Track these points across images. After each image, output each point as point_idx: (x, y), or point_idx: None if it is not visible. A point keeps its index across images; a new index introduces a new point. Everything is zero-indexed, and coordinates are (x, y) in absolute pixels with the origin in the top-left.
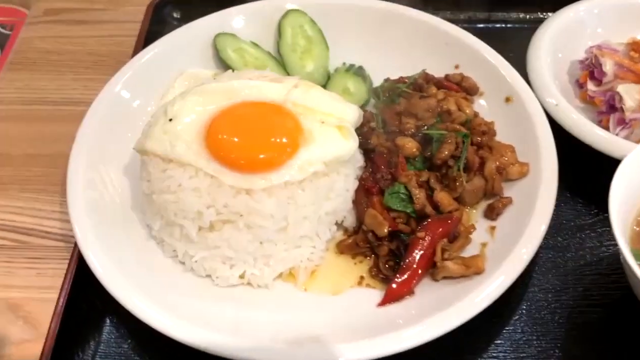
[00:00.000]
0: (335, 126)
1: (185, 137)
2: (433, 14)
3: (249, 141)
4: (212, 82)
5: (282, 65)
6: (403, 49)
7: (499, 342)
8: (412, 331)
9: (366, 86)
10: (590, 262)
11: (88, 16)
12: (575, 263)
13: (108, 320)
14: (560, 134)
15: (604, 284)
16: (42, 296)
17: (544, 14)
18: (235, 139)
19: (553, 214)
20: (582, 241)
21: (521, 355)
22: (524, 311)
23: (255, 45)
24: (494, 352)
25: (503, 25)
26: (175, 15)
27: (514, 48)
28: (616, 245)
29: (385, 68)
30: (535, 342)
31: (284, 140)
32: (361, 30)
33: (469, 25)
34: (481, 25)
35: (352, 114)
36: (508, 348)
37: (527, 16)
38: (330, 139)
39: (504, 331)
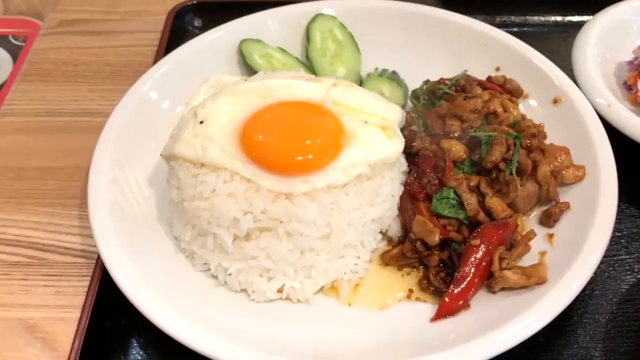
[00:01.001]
0: (379, 126)
1: (218, 140)
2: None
3: (287, 142)
4: (244, 83)
5: (312, 70)
6: (439, 52)
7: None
8: (467, 349)
9: (402, 90)
10: None
11: (104, 27)
12: (632, 275)
13: (134, 341)
14: (613, 137)
15: None
16: (62, 316)
17: (581, 17)
18: (273, 140)
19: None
20: (636, 252)
21: None
22: (588, 325)
23: (282, 50)
24: None
25: (540, 29)
26: (196, 23)
27: (552, 51)
28: None
29: (420, 72)
30: (605, 356)
31: (326, 140)
32: (393, 34)
33: (504, 29)
34: (516, 29)
35: (396, 114)
36: None
37: (564, 19)
38: (374, 140)
39: (568, 347)
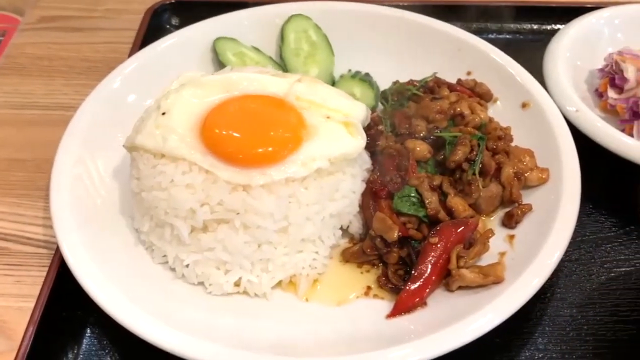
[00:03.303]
0: (342, 122)
1: (179, 131)
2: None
3: (246, 134)
4: (209, 75)
5: (285, 70)
6: (413, 56)
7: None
8: (421, 344)
9: (373, 92)
10: (617, 275)
11: (84, 23)
12: (601, 277)
13: (89, 331)
14: (579, 143)
15: (634, 299)
16: (20, 305)
17: (557, 25)
18: (233, 132)
19: (579, 226)
20: (607, 254)
21: None
22: (546, 327)
23: (256, 49)
24: None
25: (516, 36)
26: (174, 22)
27: (527, 59)
28: None
29: (394, 75)
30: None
31: (286, 134)
32: (369, 37)
33: (480, 36)
34: (493, 36)
35: (360, 111)
36: None
37: (540, 27)
38: (336, 135)
39: (526, 349)
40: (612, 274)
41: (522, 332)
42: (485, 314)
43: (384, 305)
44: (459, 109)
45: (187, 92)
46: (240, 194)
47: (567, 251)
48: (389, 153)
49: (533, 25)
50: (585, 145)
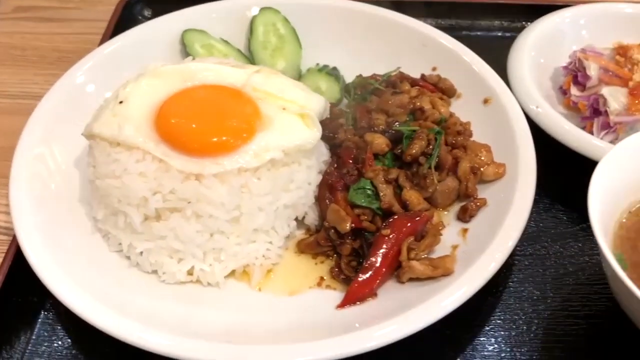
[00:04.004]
0: (298, 114)
1: (135, 119)
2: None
3: (200, 123)
4: (167, 65)
5: (252, 62)
6: (380, 50)
7: (469, 352)
8: (367, 334)
9: (339, 86)
10: (571, 271)
11: (58, 14)
12: (555, 272)
13: (43, 316)
14: (543, 140)
15: (586, 294)
16: None
17: (527, 23)
18: (186, 121)
19: (533, 221)
20: (562, 249)
21: None
22: (498, 321)
23: (225, 42)
24: None
25: (486, 33)
26: (146, 13)
27: (498, 56)
28: (598, 254)
29: (361, 70)
30: (508, 354)
31: (239, 124)
32: (337, 31)
33: (452, 33)
34: (463, 33)
35: (316, 103)
36: (478, 358)
37: (510, 24)
38: (291, 127)
39: (476, 341)
40: (566, 270)
41: (473, 324)
42: (431, 304)
43: (336, 295)
44: (418, 104)
45: (145, 82)
46: (193, 183)
47: (522, 246)
48: (347, 146)
49: (503, 22)
50: (547, 142)
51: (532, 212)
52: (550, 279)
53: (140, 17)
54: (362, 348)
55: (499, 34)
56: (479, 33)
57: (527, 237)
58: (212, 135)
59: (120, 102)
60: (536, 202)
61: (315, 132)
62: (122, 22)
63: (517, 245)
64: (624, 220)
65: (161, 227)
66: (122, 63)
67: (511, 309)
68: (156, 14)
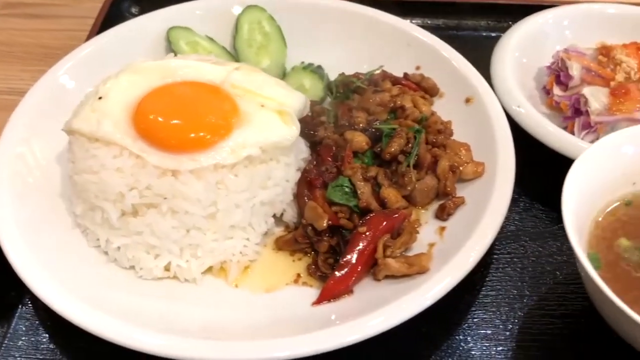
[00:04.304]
0: (276, 111)
1: (114, 115)
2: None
3: (177, 119)
4: (147, 62)
5: (237, 60)
6: (365, 49)
7: (445, 349)
8: (341, 330)
9: (323, 84)
10: (548, 270)
11: (46, 11)
12: (533, 271)
13: (20, 311)
14: (525, 140)
15: (563, 293)
16: None
17: (516, 22)
18: (163, 117)
19: (512, 221)
20: (541, 248)
21: None
22: (475, 319)
23: (210, 39)
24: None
25: (473, 33)
26: (134, 11)
27: (484, 56)
28: None
29: (345, 68)
30: (484, 352)
31: (216, 120)
32: (323, 29)
33: (438, 33)
34: (451, 32)
35: (295, 101)
36: (453, 356)
37: (497, 24)
38: (269, 124)
39: (452, 339)
40: (544, 269)
41: (449, 322)
42: (406, 302)
43: (313, 292)
44: (399, 102)
45: (124, 78)
46: (169, 179)
47: (500, 245)
48: (326, 144)
49: (490, 22)
50: (529, 142)
51: (511, 212)
52: (527, 278)
53: (127, 15)
54: (337, 344)
55: (486, 33)
56: (465, 33)
57: (506, 236)
58: (188, 132)
59: (100, 98)
60: (516, 201)
61: (293, 130)
62: (110, 19)
63: (495, 244)
64: (600, 220)
65: (138, 222)
66: (106, 60)
67: (488, 307)
68: (143, 11)
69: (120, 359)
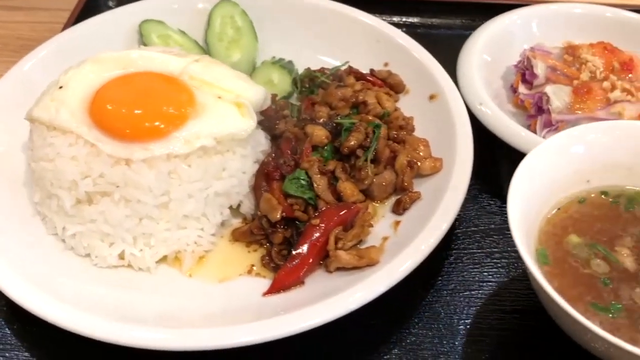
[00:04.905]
0: (234, 103)
1: (71, 104)
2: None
3: (131, 109)
4: (109, 52)
5: (208, 54)
6: (336, 45)
7: (392, 342)
8: (287, 320)
9: (291, 78)
10: (503, 266)
11: (25, 3)
12: (487, 267)
13: None
14: (489, 138)
15: (516, 289)
16: None
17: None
18: (117, 107)
19: (471, 217)
20: (495, 245)
21: (413, 357)
22: (425, 312)
23: (182, 33)
24: (385, 352)
25: (446, 31)
26: (111, 4)
27: (456, 54)
28: None
29: (316, 64)
30: (430, 345)
31: (170, 110)
32: (295, 25)
33: (412, 31)
34: (425, 31)
35: (254, 94)
36: (401, 349)
37: (473, 23)
38: (225, 115)
39: (400, 332)
40: (497, 264)
41: (398, 315)
42: (351, 293)
43: (265, 283)
44: (361, 97)
45: (85, 68)
46: (121, 168)
47: (455, 240)
48: (286, 137)
49: (463, 20)
50: (492, 140)
51: (470, 208)
52: (481, 274)
53: (104, 7)
54: (282, 333)
55: (459, 32)
56: (439, 31)
57: (463, 232)
58: (141, 121)
59: (60, 87)
60: (476, 197)
61: (249, 122)
62: (86, 11)
63: (452, 239)
64: (551, 217)
65: (91, 210)
66: (79, 52)
67: (439, 302)
68: (120, 3)
69: (75, 346)
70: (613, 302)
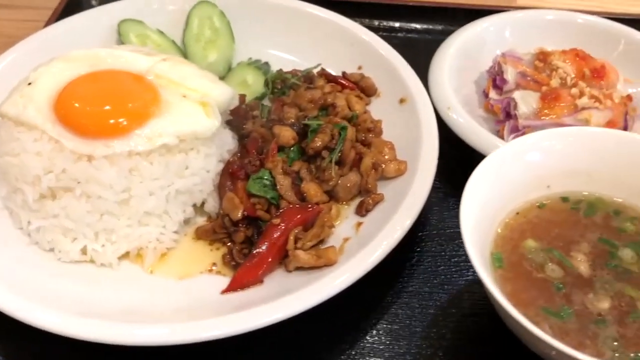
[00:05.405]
0: (199, 102)
1: (38, 101)
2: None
3: (94, 106)
4: (78, 50)
5: (185, 54)
6: (312, 48)
7: (349, 342)
8: (240, 317)
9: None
10: (462, 270)
11: (10, 1)
12: (447, 270)
13: None
14: (459, 143)
15: (473, 293)
16: None
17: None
18: (81, 103)
19: (435, 220)
20: (458, 248)
21: (368, 358)
22: (383, 314)
23: (160, 33)
24: (341, 352)
25: (424, 36)
26: (93, 3)
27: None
28: None
29: (293, 66)
30: (387, 347)
31: (133, 108)
32: (273, 27)
33: (391, 35)
34: (401, 35)
35: (220, 94)
36: (357, 349)
37: (447, 28)
38: (189, 114)
39: (357, 332)
40: (459, 268)
41: (357, 316)
42: (306, 293)
43: (225, 281)
44: (330, 100)
45: (54, 65)
46: (84, 164)
47: (419, 242)
48: (253, 137)
49: (443, 25)
50: (462, 144)
51: (435, 211)
52: (441, 277)
53: (87, 6)
54: (236, 330)
55: (439, 37)
56: (419, 35)
57: (427, 235)
58: (103, 118)
59: (29, 84)
60: (442, 200)
61: (213, 121)
62: (69, 10)
63: (416, 242)
64: (509, 221)
65: (54, 205)
66: (56, 50)
67: (397, 303)
68: (103, 2)
69: (38, 341)
70: (565, 307)
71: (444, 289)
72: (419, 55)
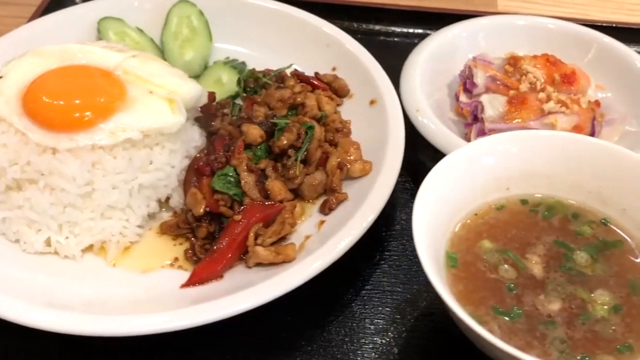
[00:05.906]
0: (165, 98)
1: (8, 94)
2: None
3: (59, 100)
4: (50, 45)
5: (162, 52)
6: (289, 48)
7: (306, 340)
8: (191, 311)
9: None
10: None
11: None
12: (408, 269)
13: None
14: (429, 144)
15: (433, 293)
16: None
17: None
18: (47, 97)
19: (400, 220)
20: None
21: (322, 354)
22: (343, 310)
23: (140, 31)
24: (296, 347)
25: (403, 39)
26: (77, 0)
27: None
28: None
29: (268, 65)
30: (346, 344)
31: (97, 102)
32: (252, 27)
33: (369, 38)
34: (381, 38)
35: (188, 90)
36: (312, 345)
37: (425, 32)
38: (154, 110)
39: (313, 330)
40: (419, 268)
41: (315, 312)
42: (263, 287)
43: (186, 276)
44: (299, 99)
45: (26, 59)
46: (48, 157)
47: (382, 242)
48: (221, 134)
49: (420, 29)
50: (430, 146)
51: (400, 211)
52: (401, 276)
53: (70, 3)
54: (193, 322)
55: (417, 40)
56: (397, 39)
57: (391, 234)
58: (68, 111)
59: (0, 77)
60: (408, 202)
61: (178, 118)
62: (52, 7)
63: (379, 241)
64: (467, 222)
65: (19, 196)
66: (37, 46)
67: (356, 301)
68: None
69: (3, 332)
70: (515, 308)
71: (403, 288)
72: (398, 59)
